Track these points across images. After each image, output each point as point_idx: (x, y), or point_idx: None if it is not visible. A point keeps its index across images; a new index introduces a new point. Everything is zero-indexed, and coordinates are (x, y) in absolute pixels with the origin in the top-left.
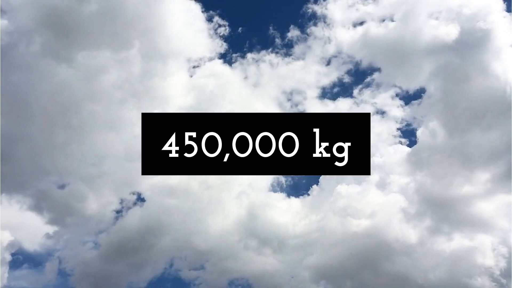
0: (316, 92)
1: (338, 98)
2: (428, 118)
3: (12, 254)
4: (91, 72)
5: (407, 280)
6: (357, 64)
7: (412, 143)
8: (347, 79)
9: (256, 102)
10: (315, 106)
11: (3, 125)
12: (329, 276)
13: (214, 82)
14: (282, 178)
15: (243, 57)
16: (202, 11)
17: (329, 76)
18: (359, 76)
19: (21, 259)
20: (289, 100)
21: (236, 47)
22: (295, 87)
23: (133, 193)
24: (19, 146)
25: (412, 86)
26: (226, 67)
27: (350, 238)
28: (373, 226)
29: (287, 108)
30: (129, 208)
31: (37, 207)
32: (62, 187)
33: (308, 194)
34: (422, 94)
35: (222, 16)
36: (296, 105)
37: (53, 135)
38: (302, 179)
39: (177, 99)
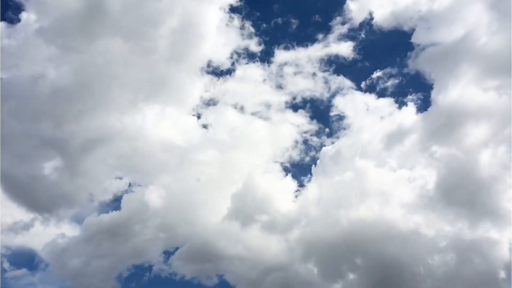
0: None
1: None
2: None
3: None
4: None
5: (402, 268)
6: None
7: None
8: None
9: None
10: None
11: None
12: (320, 256)
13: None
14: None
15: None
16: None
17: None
18: None
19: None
20: None
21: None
22: None
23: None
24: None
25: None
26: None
27: (352, 222)
28: (378, 209)
29: None
30: (121, 194)
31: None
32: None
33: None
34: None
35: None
36: None
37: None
38: (304, 162)
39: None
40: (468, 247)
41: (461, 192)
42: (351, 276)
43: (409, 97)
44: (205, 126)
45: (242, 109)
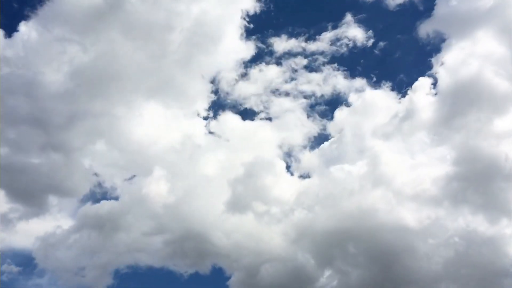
0: None
1: None
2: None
3: None
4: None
5: (407, 262)
6: None
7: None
8: None
9: None
10: None
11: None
12: (318, 246)
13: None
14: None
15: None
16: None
17: None
18: None
19: None
20: None
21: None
22: None
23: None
24: None
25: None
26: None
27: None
28: (384, 200)
29: None
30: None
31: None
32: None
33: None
34: None
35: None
36: None
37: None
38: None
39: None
40: (475, 241)
41: (476, 185)
42: (349, 268)
43: (422, 78)
44: (211, 126)
45: (248, 109)
